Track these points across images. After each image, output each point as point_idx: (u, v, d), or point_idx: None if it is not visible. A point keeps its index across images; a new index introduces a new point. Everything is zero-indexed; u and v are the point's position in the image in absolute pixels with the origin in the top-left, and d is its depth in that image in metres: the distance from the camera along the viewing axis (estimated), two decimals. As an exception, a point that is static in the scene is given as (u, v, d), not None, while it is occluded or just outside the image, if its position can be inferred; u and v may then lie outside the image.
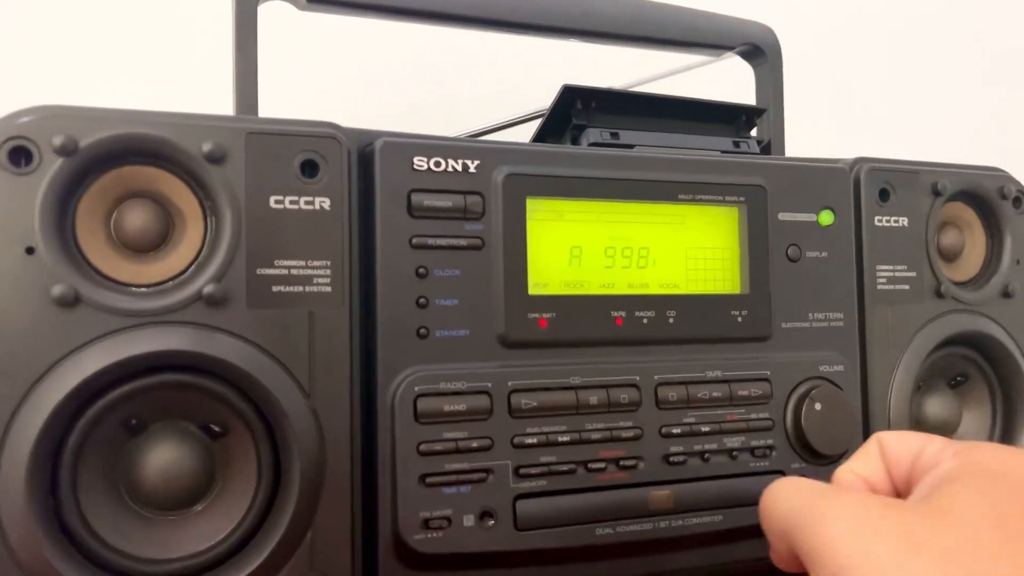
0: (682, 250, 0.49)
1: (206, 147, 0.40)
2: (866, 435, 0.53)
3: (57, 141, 0.38)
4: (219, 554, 0.41)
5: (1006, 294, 0.58)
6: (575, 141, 0.53)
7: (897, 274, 0.54)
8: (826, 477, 0.48)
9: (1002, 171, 0.58)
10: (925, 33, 1.08)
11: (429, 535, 0.42)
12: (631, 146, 0.53)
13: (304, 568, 0.41)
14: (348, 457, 0.42)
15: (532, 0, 0.56)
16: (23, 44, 0.71)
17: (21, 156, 0.38)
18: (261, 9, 0.50)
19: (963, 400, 0.59)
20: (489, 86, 0.85)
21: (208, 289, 0.40)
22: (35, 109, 0.39)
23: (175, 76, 0.73)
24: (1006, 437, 0.58)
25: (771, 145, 0.62)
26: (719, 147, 0.55)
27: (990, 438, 0.58)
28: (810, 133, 0.74)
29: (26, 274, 0.38)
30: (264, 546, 0.41)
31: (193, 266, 0.41)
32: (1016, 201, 0.58)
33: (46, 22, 0.72)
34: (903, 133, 1.01)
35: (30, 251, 0.38)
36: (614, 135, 0.53)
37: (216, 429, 0.41)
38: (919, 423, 0.57)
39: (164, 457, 0.41)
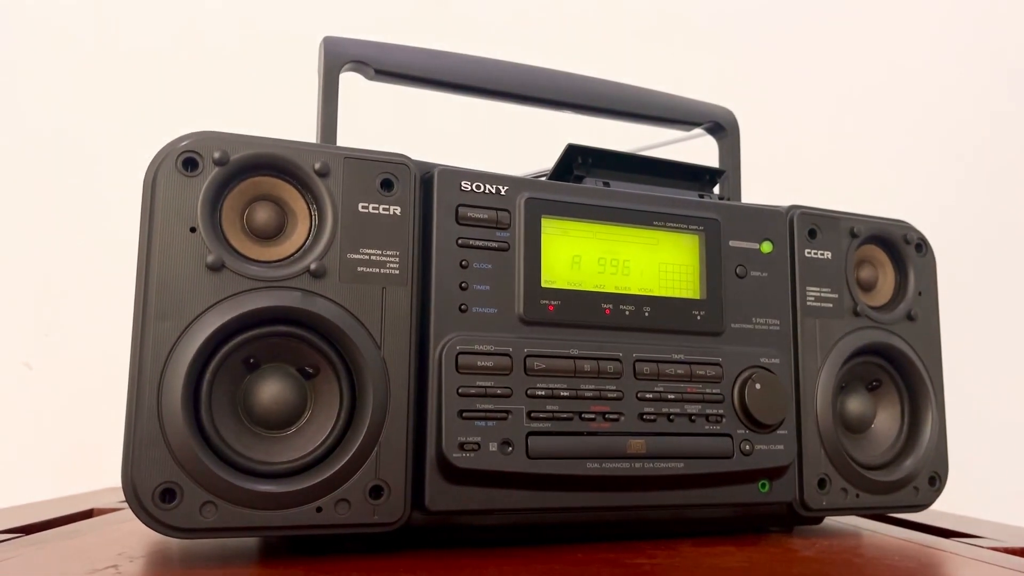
0: (655, 264, 0.65)
1: (316, 165, 0.56)
2: (798, 420, 0.67)
3: (216, 155, 0.54)
4: (309, 461, 0.54)
5: (910, 317, 0.73)
6: (575, 188, 0.69)
7: (823, 294, 0.70)
8: (764, 442, 0.63)
9: (905, 222, 0.74)
10: (861, 108, 1.34)
11: (464, 455, 0.55)
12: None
13: (371, 475, 0.55)
14: (406, 395, 0.56)
15: (549, 82, 0.73)
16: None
17: (190, 164, 0.54)
18: (341, 76, 0.67)
19: (879, 401, 0.73)
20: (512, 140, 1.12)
21: (313, 265, 0.55)
22: (201, 133, 0.54)
23: (279, 117, 0.99)
24: (911, 432, 0.72)
25: (729, 200, 0.78)
26: (687, 198, 0.70)
27: (899, 433, 0.73)
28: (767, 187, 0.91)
29: (190, 246, 0.53)
30: (342, 457, 0.54)
31: (302, 250, 0.56)
32: (917, 247, 0.74)
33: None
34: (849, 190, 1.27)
35: (192, 230, 0.53)
36: (606, 184, 0.68)
37: (310, 370, 0.56)
38: (843, 416, 0.71)
39: (271, 390, 0.55)
